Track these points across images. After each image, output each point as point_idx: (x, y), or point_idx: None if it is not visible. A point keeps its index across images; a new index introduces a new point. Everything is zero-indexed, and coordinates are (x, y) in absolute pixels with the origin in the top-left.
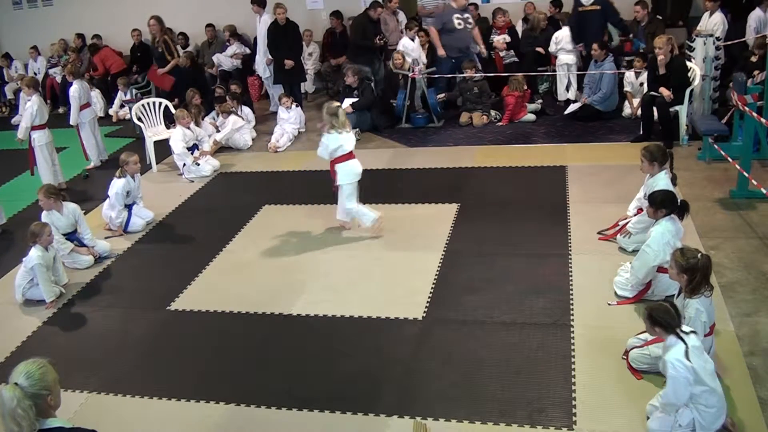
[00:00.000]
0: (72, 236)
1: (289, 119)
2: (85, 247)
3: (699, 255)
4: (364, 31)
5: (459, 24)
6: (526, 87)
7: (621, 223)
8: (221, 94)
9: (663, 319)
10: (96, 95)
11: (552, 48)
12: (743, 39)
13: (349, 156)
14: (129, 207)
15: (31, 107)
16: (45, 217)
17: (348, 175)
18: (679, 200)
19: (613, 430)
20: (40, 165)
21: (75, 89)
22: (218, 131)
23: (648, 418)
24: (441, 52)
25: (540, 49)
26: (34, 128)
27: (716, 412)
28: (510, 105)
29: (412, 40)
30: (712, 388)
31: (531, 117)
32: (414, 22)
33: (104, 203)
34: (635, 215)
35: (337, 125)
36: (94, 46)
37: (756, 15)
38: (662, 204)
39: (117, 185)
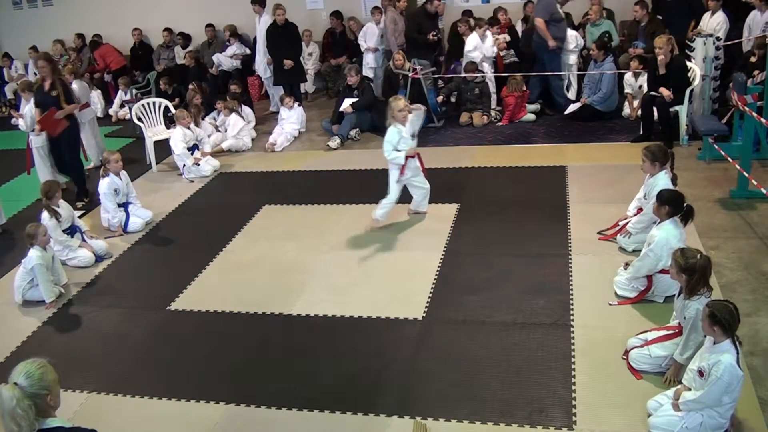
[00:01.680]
0: (73, 228)
1: (289, 119)
2: (86, 242)
3: (698, 255)
4: (420, 25)
5: (562, 14)
6: (525, 87)
7: (621, 224)
8: (194, 91)
9: (726, 320)
10: (97, 95)
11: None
12: (740, 40)
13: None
14: (125, 207)
15: (29, 111)
16: (47, 218)
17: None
18: (685, 205)
19: (613, 430)
20: (38, 166)
21: (74, 89)
22: (218, 130)
23: (649, 415)
24: (552, 43)
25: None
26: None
27: (725, 422)
28: (510, 105)
29: (482, 40)
30: (735, 402)
31: (531, 117)
32: (483, 20)
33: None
34: (635, 215)
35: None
36: (95, 42)
37: (751, 15)
38: (668, 201)
39: (102, 185)
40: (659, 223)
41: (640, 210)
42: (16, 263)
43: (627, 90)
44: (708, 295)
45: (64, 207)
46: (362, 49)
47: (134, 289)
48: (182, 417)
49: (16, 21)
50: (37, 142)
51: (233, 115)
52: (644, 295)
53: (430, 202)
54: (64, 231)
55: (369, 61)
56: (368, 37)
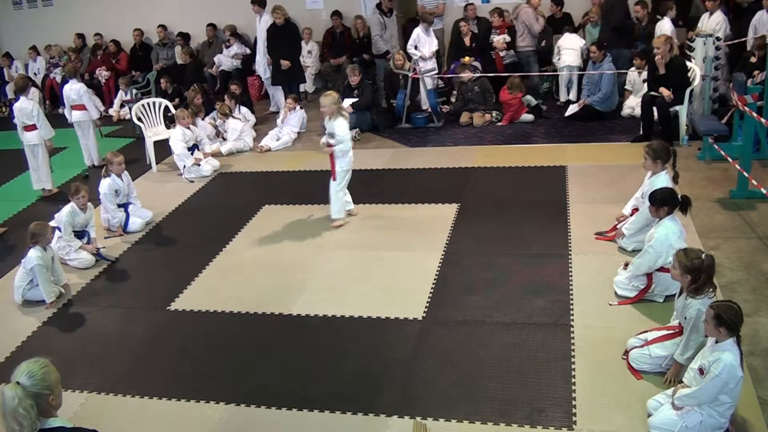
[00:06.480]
0: (82, 233)
1: (289, 121)
2: (90, 244)
3: (703, 255)
4: (626, 10)
5: None
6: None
7: (619, 227)
8: (195, 91)
9: (731, 321)
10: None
11: (555, 58)
12: (743, 39)
13: None
14: (125, 207)
15: (39, 114)
16: (68, 213)
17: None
18: (680, 196)
19: (613, 430)
20: (31, 166)
21: (75, 89)
22: (218, 131)
23: (649, 415)
24: None
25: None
26: (26, 128)
27: (725, 422)
28: (512, 107)
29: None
30: (735, 402)
31: (529, 117)
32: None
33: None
34: (631, 215)
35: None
36: (114, 44)
37: (757, 16)
38: (663, 202)
39: (103, 185)
40: (659, 221)
41: (635, 210)
42: (16, 263)
43: (627, 87)
44: (712, 294)
45: (87, 210)
46: (415, 58)
47: (134, 289)
48: (182, 417)
49: (16, 21)
50: (32, 140)
51: (230, 119)
52: (644, 294)
53: (429, 202)
54: (74, 231)
55: (426, 67)
56: (421, 44)
